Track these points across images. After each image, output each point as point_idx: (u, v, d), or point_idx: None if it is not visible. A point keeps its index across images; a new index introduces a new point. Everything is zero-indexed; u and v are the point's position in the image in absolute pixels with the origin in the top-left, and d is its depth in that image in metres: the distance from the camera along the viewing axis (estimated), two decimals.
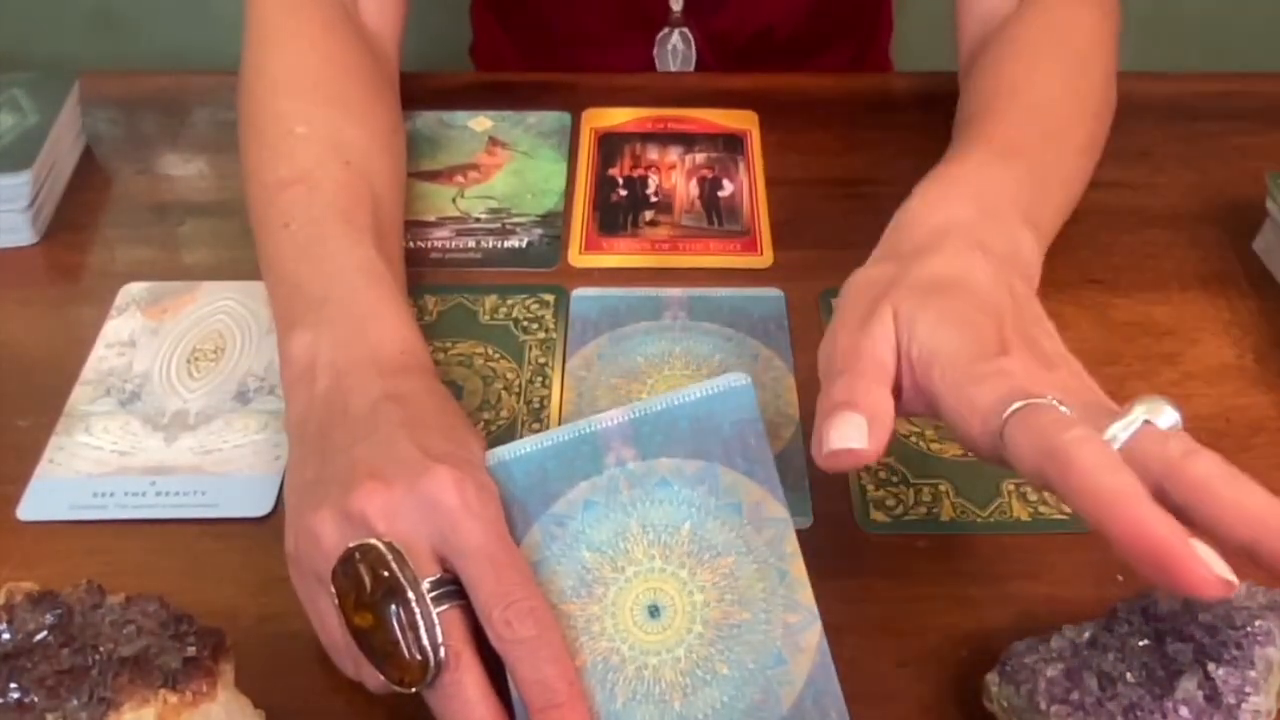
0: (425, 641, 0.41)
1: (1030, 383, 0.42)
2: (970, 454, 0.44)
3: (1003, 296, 0.46)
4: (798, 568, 0.46)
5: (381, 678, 0.42)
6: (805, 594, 0.45)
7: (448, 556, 0.43)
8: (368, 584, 0.42)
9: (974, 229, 0.49)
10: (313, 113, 0.60)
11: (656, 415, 0.48)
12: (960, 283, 0.46)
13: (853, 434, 0.42)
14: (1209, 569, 0.36)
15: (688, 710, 0.43)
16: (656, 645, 0.45)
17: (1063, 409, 0.40)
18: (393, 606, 0.41)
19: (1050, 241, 0.56)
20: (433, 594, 0.42)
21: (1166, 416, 0.41)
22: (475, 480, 0.44)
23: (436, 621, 0.41)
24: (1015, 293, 0.47)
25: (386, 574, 0.42)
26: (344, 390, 0.48)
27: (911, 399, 0.45)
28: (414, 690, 0.42)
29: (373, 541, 0.42)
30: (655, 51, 0.88)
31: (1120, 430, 0.40)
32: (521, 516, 0.46)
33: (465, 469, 0.44)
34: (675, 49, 0.88)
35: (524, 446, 0.47)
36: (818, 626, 0.45)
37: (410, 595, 0.41)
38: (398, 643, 0.41)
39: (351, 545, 0.43)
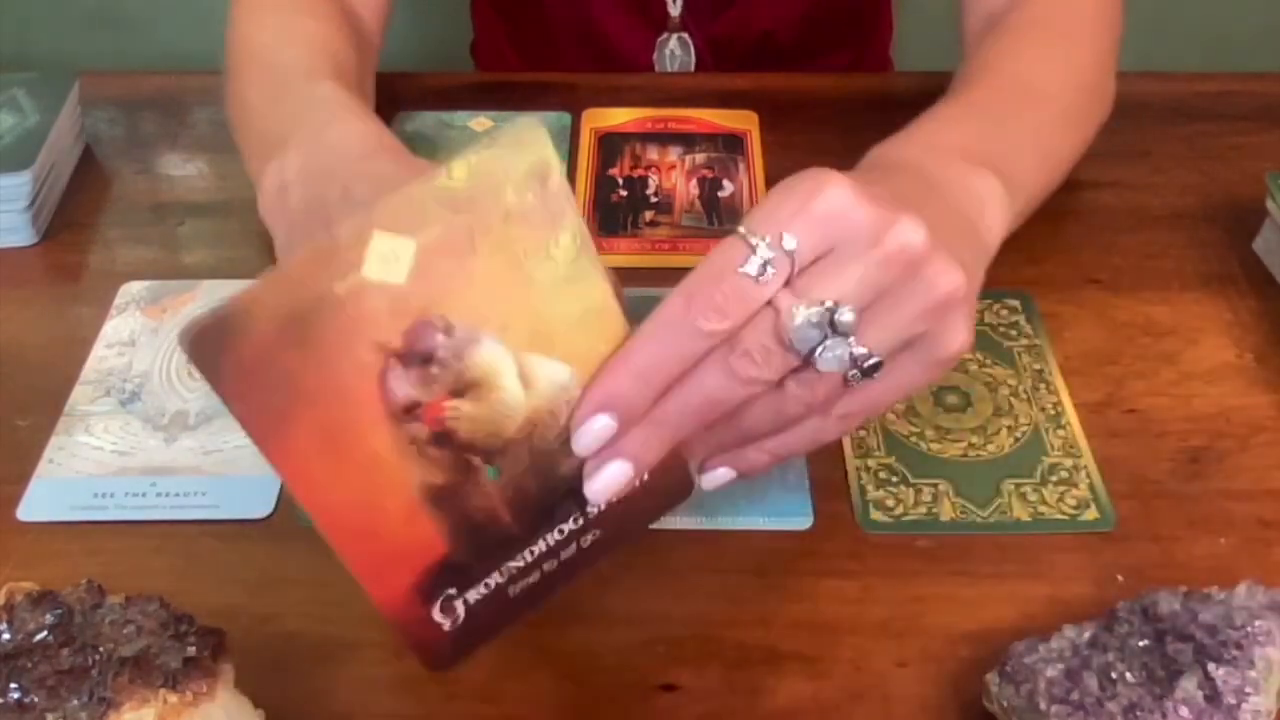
0: None
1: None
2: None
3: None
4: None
5: None
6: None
7: None
8: None
9: (919, 165, 0.50)
10: (285, 49, 0.61)
11: None
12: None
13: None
14: None
15: None
16: None
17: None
18: None
19: (1032, 197, 0.57)
20: None
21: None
22: None
23: None
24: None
25: None
26: (319, 192, 0.47)
27: None
28: None
29: None
30: (655, 56, 0.88)
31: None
32: None
33: None
34: (674, 54, 0.88)
35: None
36: None
37: None
38: None
39: None
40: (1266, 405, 0.58)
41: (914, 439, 0.56)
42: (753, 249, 0.39)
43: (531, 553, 0.43)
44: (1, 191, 0.66)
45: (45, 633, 0.40)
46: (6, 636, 0.40)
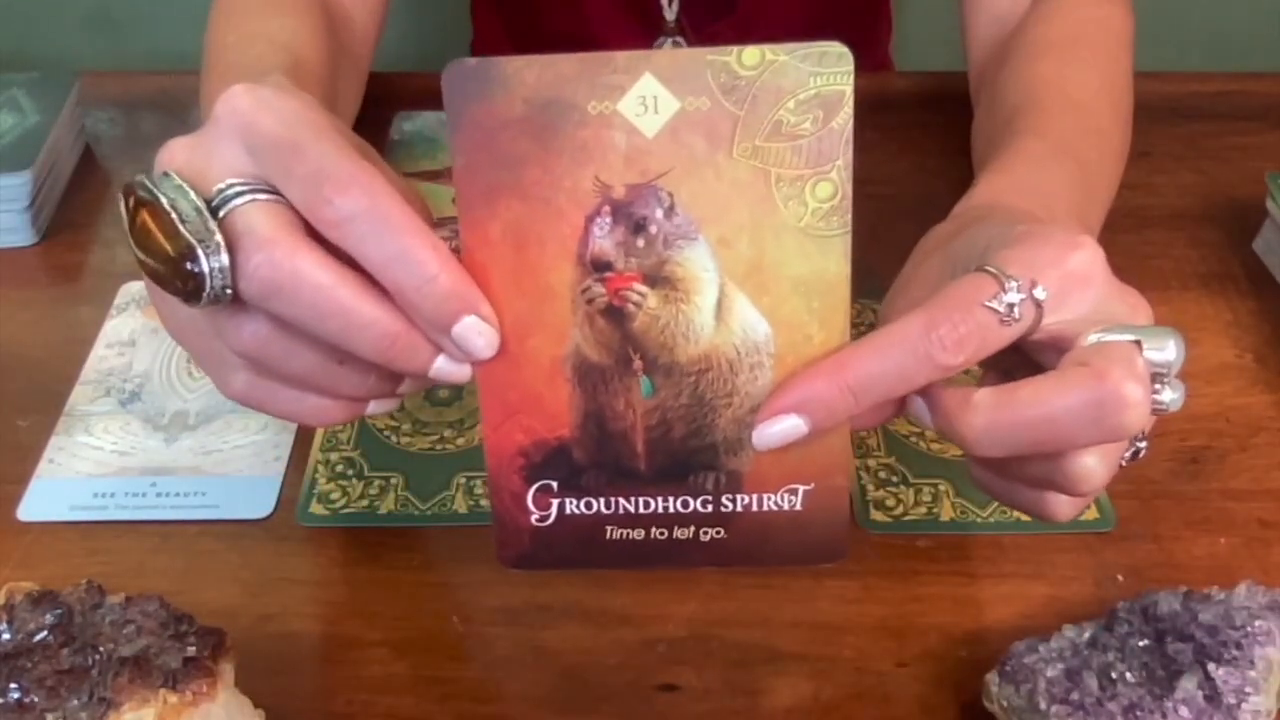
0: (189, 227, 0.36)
1: None
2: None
3: None
4: None
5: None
6: None
7: (261, 174, 0.38)
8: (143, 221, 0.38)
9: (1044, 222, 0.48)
10: (247, 49, 0.58)
11: None
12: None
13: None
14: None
15: None
16: None
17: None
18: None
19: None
20: (225, 193, 0.37)
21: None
22: (275, 85, 0.39)
23: (196, 199, 0.37)
24: None
25: (144, 194, 0.38)
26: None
27: None
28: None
29: (140, 179, 0.38)
30: None
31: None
32: None
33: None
34: None
35: None
36: None
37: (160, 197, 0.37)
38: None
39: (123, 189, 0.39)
40: (1266, 405, 0.58)
41: (914, 439, 0.56)
42: (1003, 288, 0.37)
43: (646, 504, 0.40)
44: (1, 191, 0.66)
45: (45, 633, 0.40)
46: (6, 636, 0.40)
